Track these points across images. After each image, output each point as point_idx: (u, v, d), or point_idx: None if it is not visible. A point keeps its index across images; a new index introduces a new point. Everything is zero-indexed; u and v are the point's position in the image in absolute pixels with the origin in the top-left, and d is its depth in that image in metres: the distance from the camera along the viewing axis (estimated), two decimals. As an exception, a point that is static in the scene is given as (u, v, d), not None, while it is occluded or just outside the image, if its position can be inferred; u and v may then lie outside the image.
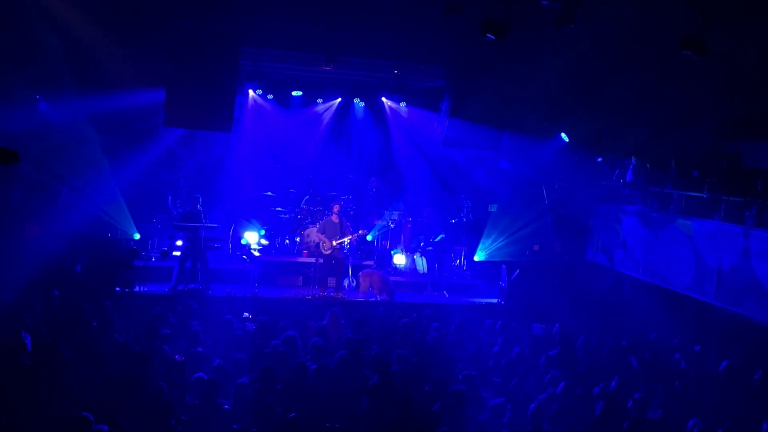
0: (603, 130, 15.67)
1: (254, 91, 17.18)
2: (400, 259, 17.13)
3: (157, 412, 7.71)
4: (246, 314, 12.29)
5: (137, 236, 15.46)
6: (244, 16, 12.20)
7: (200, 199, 14.70)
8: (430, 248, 16.22)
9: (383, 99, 18.07)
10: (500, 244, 17.10)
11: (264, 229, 16.78)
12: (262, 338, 10.52)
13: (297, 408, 7.81)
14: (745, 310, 11.91)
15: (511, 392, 8.84)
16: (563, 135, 17.23)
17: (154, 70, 13.46)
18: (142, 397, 8.05)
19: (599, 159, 17.11)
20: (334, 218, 15.08)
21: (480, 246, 17.26)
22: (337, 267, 15.09)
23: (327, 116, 18.50)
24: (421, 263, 17.07)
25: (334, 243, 14.88)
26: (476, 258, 17.37)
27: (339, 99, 18.20)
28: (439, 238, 16.20)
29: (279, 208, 17.18)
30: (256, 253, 16.25)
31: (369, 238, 17.00)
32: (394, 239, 17.66)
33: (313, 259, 15.35)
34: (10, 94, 12.99)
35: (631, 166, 16.00)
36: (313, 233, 15.61)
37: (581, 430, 8.19)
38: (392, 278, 15.46)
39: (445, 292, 15.71)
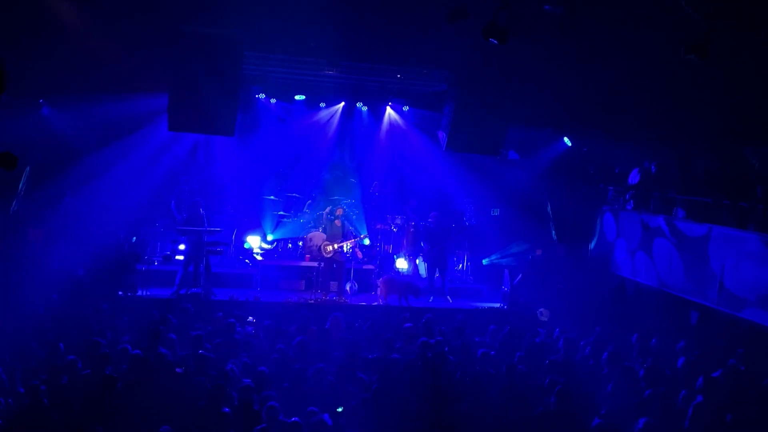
0: (606, 134, 15.68)
1: (257, 95, 17.19)
2: (402, 264, 17.12)
3: (158, 415, 7.71)
4: (250, 318, 12.29)
5: (134, 239, 15.46)
6: (247, 20, 12.21)
7: (202, 204, 14.72)
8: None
9: (387, 103, 18.07)
10: (508, 251, 17.10)
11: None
12: (265, 342, 10.54)
13: (297, 412, 7.81)
14: (747, 314, 11.89)
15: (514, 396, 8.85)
16: (566, 139, 17.24)
17: (158, 75, 13.49)
18: (143, 401, 8.06)
19: (602, 163, 17.10)
20: (337, 222, 15.11)
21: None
22: (339, 271, 15.09)
23: (330, 120, 18.50)
24: (423, 268, 17.06)
25: (335, 246, 14.89)
26: (484, 262, 17.37)
27: (342, 103, 18.20)
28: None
29: (281, 212, 17.19)
30: (259, 257, 16.25)
31: (366, 242, 16.96)
32: (396, 244, 17.64)
33: (315, 263, 15.36)
34: (14, 98, 13.01)
35: (634, 170, 15.99)
36: (315, 237, 15.61)
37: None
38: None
39: (448, 297, 15.68)
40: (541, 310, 13.31)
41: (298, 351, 9.91)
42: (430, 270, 16.07)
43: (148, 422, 7.62)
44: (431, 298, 15.54)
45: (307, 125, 18.42)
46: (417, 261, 17.16)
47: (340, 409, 8.32)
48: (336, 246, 14.91)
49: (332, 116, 18.44)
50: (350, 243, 15.33)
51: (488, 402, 8.78)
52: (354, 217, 17.12)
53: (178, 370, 9.19)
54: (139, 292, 13.87)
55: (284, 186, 17.75)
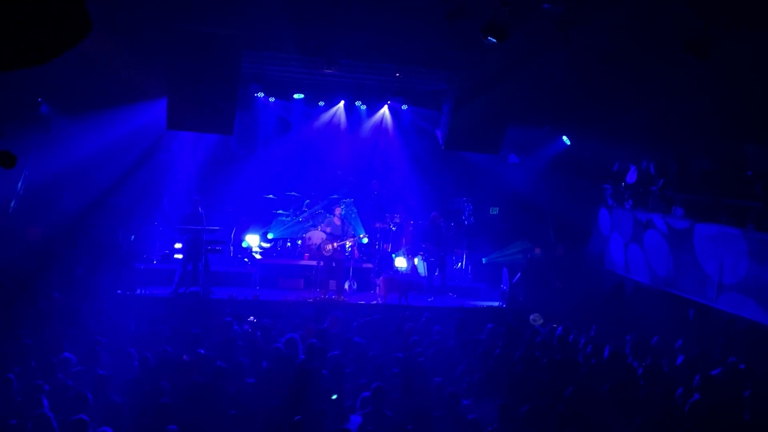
0: (605, 132, 15.69)
1: (256, 94, 17.19)
2: (401, 262, 17.13)
3: (157, 414, 7.70)
4: (251, 318, 12.29)
5: (132, 238, 15.45)
6: (246, 19, 12.21)
7: (201, 202, 14.73)
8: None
9: (385, 102, 18.08)
10: (508, 250, 17.11)
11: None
12: (263, 341, 10.54)
13: (299, 410, 7.80)
14: (746, 313, 11.91)
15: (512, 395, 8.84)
16: (564, 138, 17.24)
17: (157, 73, 13.49)
18: (142, 400, 8.05)
19: (600, 161, 17.11)
20: (336, 221, 15.12)
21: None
22: (338, 270, 15.10)
23: (329, 119, 18.51)
24: (423, 266, 17.07)
25: (336, 245, 14.90)
26: (483, 261, 17.38)
27: (342, 101, 18.20)
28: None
29: (280, 211, 17.19)
30: (258, 256, 16.25)
31: (365, 241, 16.96)
32: (395, 242, 17.66)
33: (314, 262, 15.36)
34: (12, 97, 13.01)
35: (633, 169, 16.00)
36: (315, 235, 15.62)
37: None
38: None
39: (450, 293, 15.70)
40: (534, 315, 13.23)
41: (290, 349, 9.90)
42: (431, 269, 16.09)
43: (148, 422, 7.61)
44: (431, 297, 15.55)
45: (305, 124, 18.43)
46: (416, 260, 17.18)
47: (334, 397, 8.35)
48: (336, 245, 14.92)
49: (331, 115, 18.44)
50: (350, 242, 15.34)
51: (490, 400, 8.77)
52: (353, 215, 17.14)
53: (185, 357, 9.24)
54: (138, 291, 13.87)
55: (282, 184, 17.75)
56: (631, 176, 16.01)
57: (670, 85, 12.74)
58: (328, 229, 15.11)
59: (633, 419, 8.08)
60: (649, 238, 14.66)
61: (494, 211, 18.26)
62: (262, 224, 16.97)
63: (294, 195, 17.65)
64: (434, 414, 7.93)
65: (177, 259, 15.21)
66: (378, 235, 17.46)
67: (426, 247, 16.20)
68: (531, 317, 13.19)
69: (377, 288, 15.06)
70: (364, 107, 18.48)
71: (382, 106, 18.30)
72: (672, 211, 14.51)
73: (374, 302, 14.64)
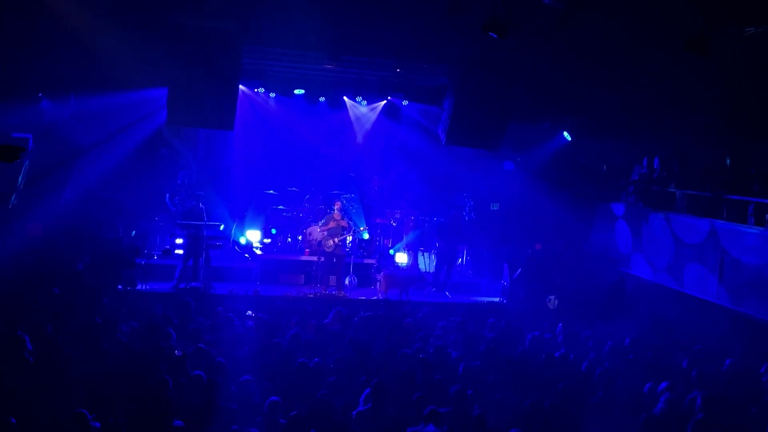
0: (606, 128, 15.67)
1: (257, 89, 17.17)
2: (401, 258, 17.12)
3: (157, 409, 7.70)
4: (249, 312, 12.30)
5: (133, 233, 15.44)
6: (246, 14, 12.20)
7: (202, 197, 14.73)
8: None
9: (386, 98, 18.06)
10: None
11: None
12: (264, 336, 10.55)
13: (298, 406, 7.82)
14: (746, 308, 11.91)
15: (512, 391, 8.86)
16: (565, 134, 17.21)
17: (157, 69, 13.47)
18: (143, 395, 8.06)
19: (602, 157, 17.08)
20: (336, 215, 15.10)
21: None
22: (339, 265, 15.10)
23: (330, 115, 18.49)
24: (424, 261, 17.05)
25: (337, 240, 14.89)
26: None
27: (344, 97, 18.17)
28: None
29: (281, 207, 17.18)
30: (258, 252, 16.25)
31: (365, 236, 16.94)
32: (396, 237, 17.65)
33: (314, 258, 15.36)
34: (13, 92, 12.99)
35: (635, 166, 15.98)
36: (315, 231, 15.61)
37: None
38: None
39: (447, 292, 15.67)
40: (551, 297, 13.41)
41: (292, 345, 9.92)
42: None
43: (147, 416, 7.63)
44: (433, 289, 15.56)
45: (306, 119, 18.42)
46: (419, 254, 17.17)
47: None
48: (338, 240, 14.92)
49: (333, 111, 18.44)
50: (350, 236, 15.34)
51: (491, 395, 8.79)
52: (354, 211, 17.12)
53: (177, 352, 9.24)
54: (139, 286, 13.87)
55: (283, 180, 17.73)
56: (633, 172, 16.00)
57: (672, 81, 12.72)
58: (329, 225, 15.07)
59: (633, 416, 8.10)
60: (650, 233, 14.66)
61: (495, 206, 18.24)
62: (262, 220, 16.95)
63: (294, 191, 17.64)
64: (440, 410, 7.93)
65: (178, 254, 15.21)
66: (379, 231, 17.46)
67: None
68: (548, 299, 13.35)
69: (378, 284, 15.06)
70: (364, 103, 18.46)
71: (382, 102, 18.28)
72: (673, 206, 14.51)
73: (375, 298, 14.65)
